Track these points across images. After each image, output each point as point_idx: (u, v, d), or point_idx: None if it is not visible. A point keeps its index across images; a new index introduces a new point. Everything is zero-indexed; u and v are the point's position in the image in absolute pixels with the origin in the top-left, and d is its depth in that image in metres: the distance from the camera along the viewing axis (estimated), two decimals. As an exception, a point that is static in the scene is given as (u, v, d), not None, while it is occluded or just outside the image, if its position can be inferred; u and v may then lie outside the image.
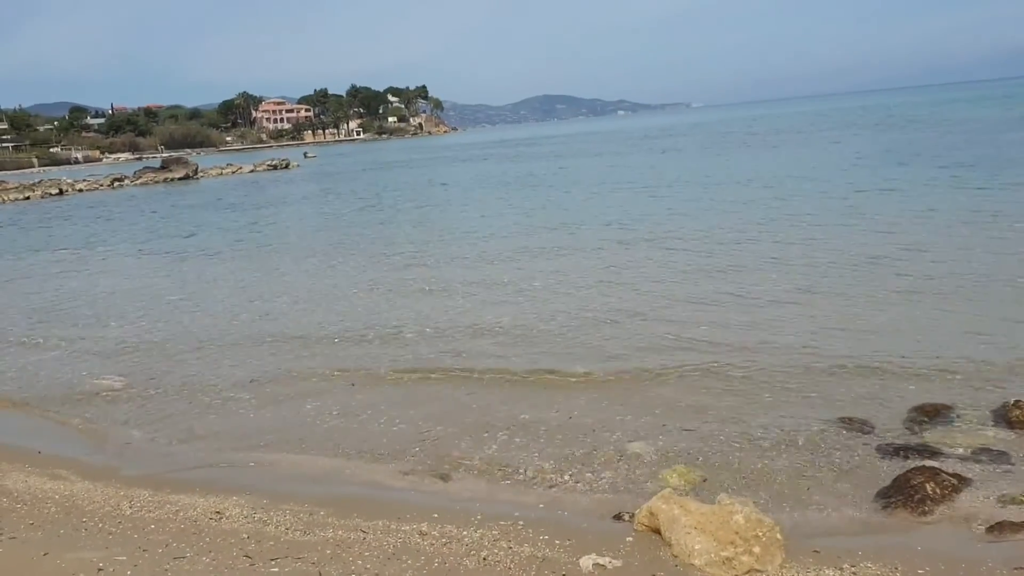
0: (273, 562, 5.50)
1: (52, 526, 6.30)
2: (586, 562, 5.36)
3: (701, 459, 7.18)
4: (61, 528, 6.25)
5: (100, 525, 6.31)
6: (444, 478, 7.24)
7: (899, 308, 11.39)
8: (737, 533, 5.31)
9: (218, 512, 6.52)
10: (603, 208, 26.47)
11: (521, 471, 7.25)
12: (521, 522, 6.07)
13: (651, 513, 5.81)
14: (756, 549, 5.23)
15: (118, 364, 11.73)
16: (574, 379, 9.57)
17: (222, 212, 37.96)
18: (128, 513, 6.57)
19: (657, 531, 5.73)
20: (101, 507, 6.73)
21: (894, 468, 6.59)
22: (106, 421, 9.48)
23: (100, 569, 5.39)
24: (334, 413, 9.21)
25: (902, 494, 6.06)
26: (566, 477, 7.05)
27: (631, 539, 5.70)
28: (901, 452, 6.87)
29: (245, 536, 6.00)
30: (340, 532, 6.02)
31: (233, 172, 74.50)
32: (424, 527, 6.05)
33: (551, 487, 6.90)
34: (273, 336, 12.82)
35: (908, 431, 7.34)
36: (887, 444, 7.07)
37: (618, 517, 6.17)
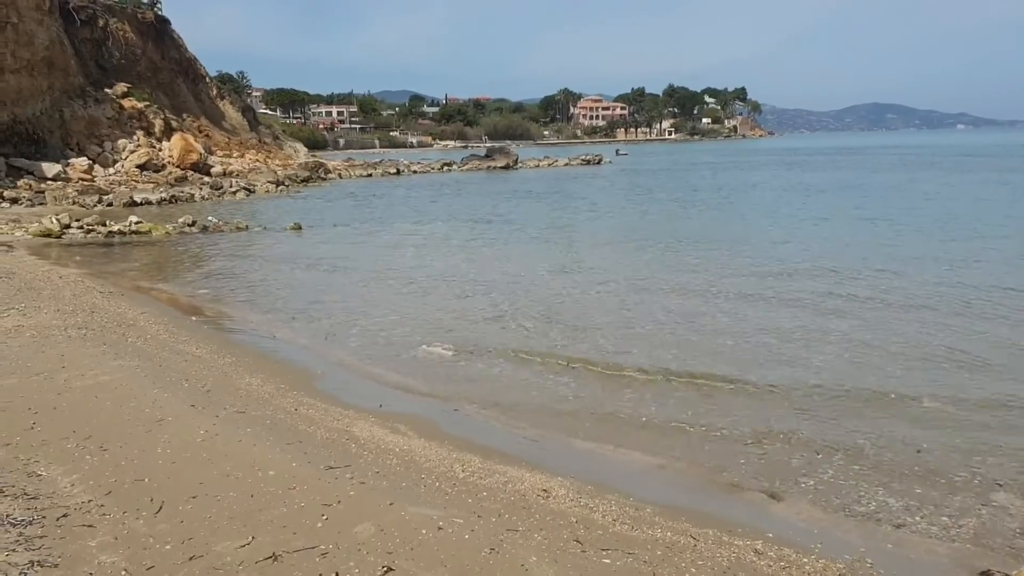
0: (604, 552, 5.38)
1: (395, 478, 6.64)
2: (953, 620, 4.70)
3: (1088, 525, 6.12)
4: (403, 481, 6.56)
5: (437, 484, 6.56)
6: (775, 497, 6.77)
7: None
8: None
9: (545, 490, 6.54)
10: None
11: (863, 503, 6.60)
12: (869, 560, 5.50)
13: (1033, 578, 5.01)
14: None
15: (448, 334, 12.34)
16: (922, 408, 8.64)
17: (537, 200, 39.26)
18: (461, 476, 6.78)
19: (1039, 600, 4.93)
20: (436, 466, 7.01)
21: None
22: (437, 386, 9.96)
23: (440, 528, 5.55)
24: (651, 409, 9.00)
25: None
26: (917, 518, 6.31)
27: (1005, 602, 4.95)
28: None
29: (573, 520, 5.95)
30: (669, 534, 5.79)
31: (549, 164, 77.06)
32: (759, 546, 5.66)
33: (899, 526, 6.21)
34: (591, 324, 12.90)
35: None
36: None
37: (986, 574, 5.39)
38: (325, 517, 5.67)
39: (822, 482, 7.00)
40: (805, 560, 5.43)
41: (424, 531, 5.49)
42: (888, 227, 24.60)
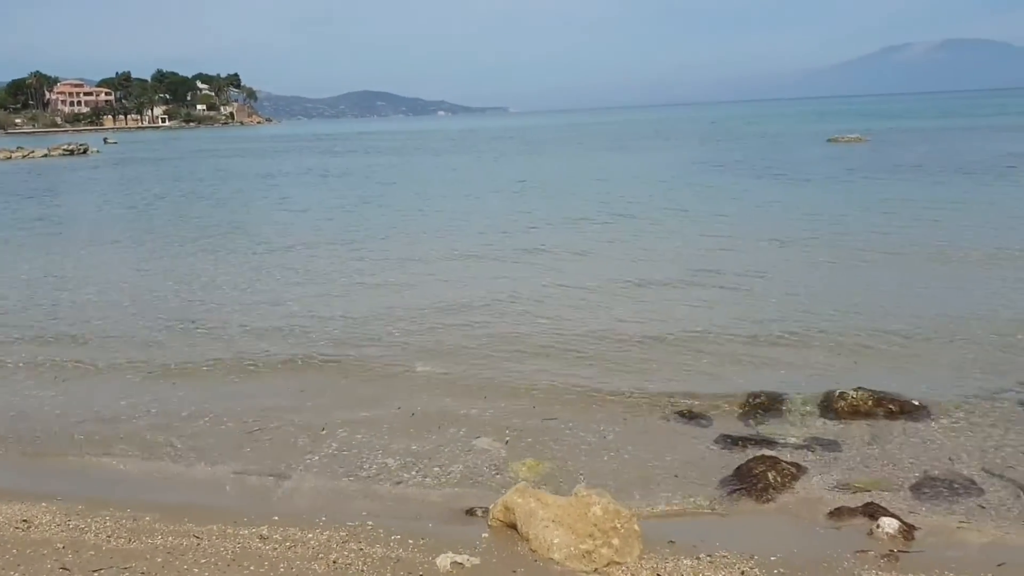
0: (96, 573, 4.93)
1: None
2: (443, 561, 5.13)
3: (548, 452, 7.12)
4: None
5: None
6: (282, 478, 6.80)
7: (718, 303, 11.92)
8: (596, 525, 5.24)
9: (25, 521, 5.80)
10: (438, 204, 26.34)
11: (365, 468, 6.94)
12: (370, 522, 5.77)
13: (506, 508, 5.65)
14: (615, 541, 5.18)
15: None
16: (415, 375, 9.32)
17: (11, 198, 34.76)
18: (-90, 526, 5.73)
19: (513, 526, 5.58)
20: None
21: (735, 457, 6.77)
22: None
23: None
24: (152, 411, 8.51)
25: (746, 483, 6.24)
26: (413, 473, 6.80)
27: (487, 535, 5.53)
28: (740, 442, 7.09)
29: (60, 546, 5.36)
30: (171, 539, 5.49)
31: (24, 156, 68.96)
32: (264, 531, 5.62)
33: (398, 484, 6.64)
34: (76, 328, 11.78)
35: (744, 421, 7.62)
36: (726, 434, 7.28)
37: (471, 512, 5.99)
38: None
39: (327, 455, 7.20)
40: (310, 535, 5.52)
41: None
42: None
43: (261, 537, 5.51)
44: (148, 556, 5.22)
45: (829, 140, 50.25)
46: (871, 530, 5.38)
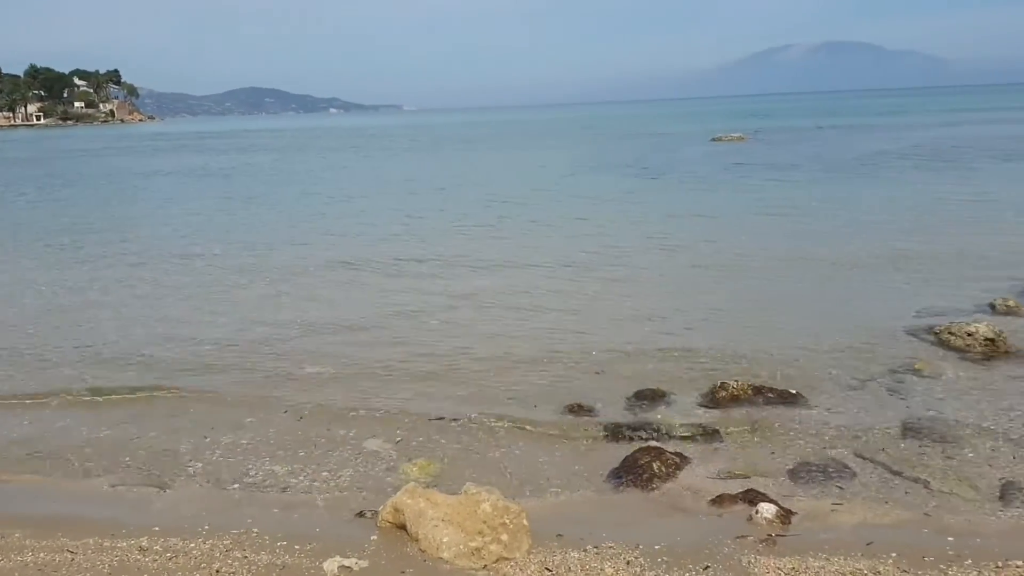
0: (-43, 597, 4.67)
1: None
2: (330, 565, 5.06)
3: (439, 452, 7.12)
4: None
5: None
6: (163, 488, 6.58)
7: (602, 301, 12.21)
8: (485, 522, 5.26)
9: None
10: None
11: (251, 475, 6.78)
12: (255, 529, 5.63)
13: (396, 509, 5.61)
14: (504, 537, 5.21)
15: None
16: (302, 378, 9.16)
17: None
18: None
19: (403, 527, 5.54)
20: None
21: (622, 450, 6.90)
22: None
23: None
24: (25, 423, 8.12)
25: (632, 474, 6.37)
26: (301, 478, 6.69)
27: (376, 537, 5.48)
28: (627, 435, 7.24)
29: (-81, 571, 5.05)
30: (42, 555, 5.24)
31: None
32: (144, 542, 5.43)
33: (285, 489, 6.51)
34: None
35: (631, 415, 7.77)
36: (613, 428, 7.42)
37: (360, 515, 5.93)
38: None
39: (210, 463, 7.02)
40: (192, 545, 5.36)
41: None
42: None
43: (140, 549, 5.32)
44: (17, 574, 4.97)
45: (713, 139, 51.85)
46: (751, 516, 5.56)
